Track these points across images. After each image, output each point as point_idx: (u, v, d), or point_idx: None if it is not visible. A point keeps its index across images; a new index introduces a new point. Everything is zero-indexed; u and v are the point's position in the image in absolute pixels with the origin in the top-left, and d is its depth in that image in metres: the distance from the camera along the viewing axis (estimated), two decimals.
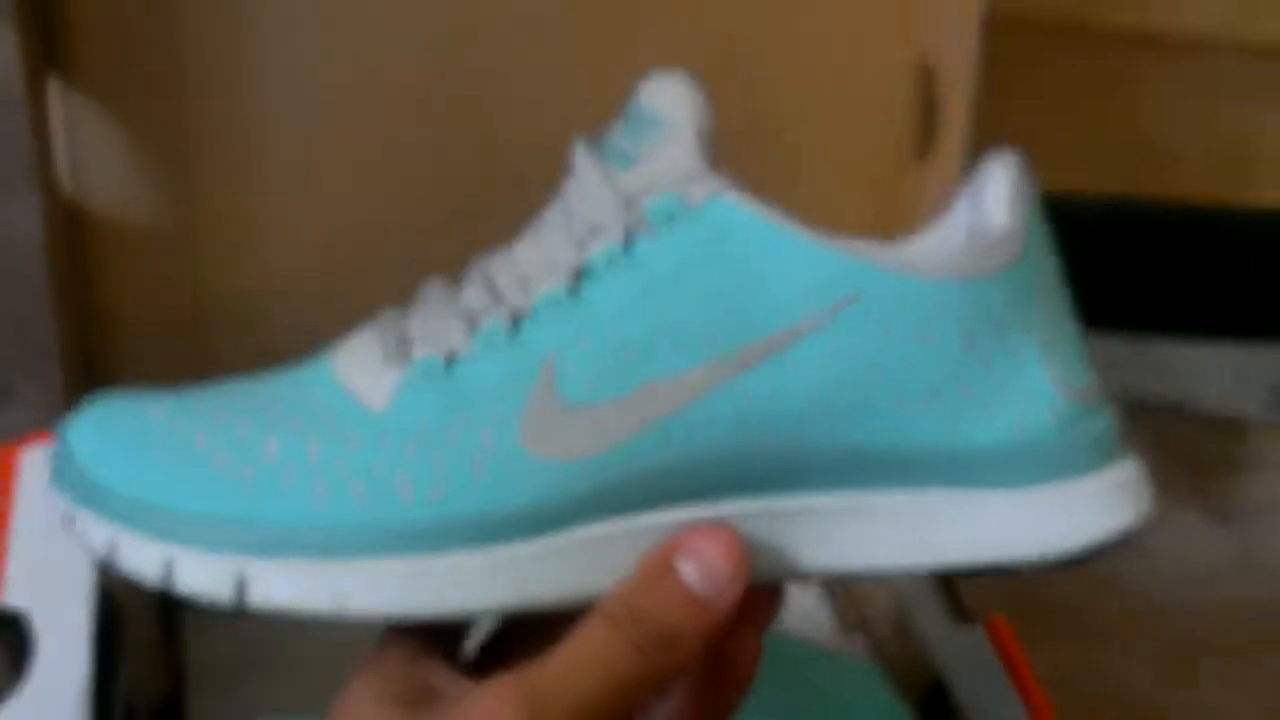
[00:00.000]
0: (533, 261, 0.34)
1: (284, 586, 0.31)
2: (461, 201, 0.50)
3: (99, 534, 0.32)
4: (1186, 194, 0.77)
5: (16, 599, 0.38)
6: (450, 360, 0.33)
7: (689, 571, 0.32)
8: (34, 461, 0.42)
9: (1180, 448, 0.84)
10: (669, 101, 0.34)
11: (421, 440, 0.32)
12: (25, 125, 0.44)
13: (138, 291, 0.48)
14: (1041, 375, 0.34)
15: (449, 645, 0.34)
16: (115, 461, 0.32)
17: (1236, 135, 0.75)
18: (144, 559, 0.31)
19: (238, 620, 0.50)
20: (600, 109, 0.36)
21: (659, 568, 0.32)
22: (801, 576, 0.34)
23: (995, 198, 0.35)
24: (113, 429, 0.33)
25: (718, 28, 0.52)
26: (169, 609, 0.52)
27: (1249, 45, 0.71)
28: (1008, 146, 0.37)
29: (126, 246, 0.47)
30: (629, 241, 0.32)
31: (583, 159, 0.34)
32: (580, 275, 0.33)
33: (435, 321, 0.33)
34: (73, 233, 0.47)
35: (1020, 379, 0.33)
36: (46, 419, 0.35)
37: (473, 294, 0.34)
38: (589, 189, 0.33)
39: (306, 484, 0.31)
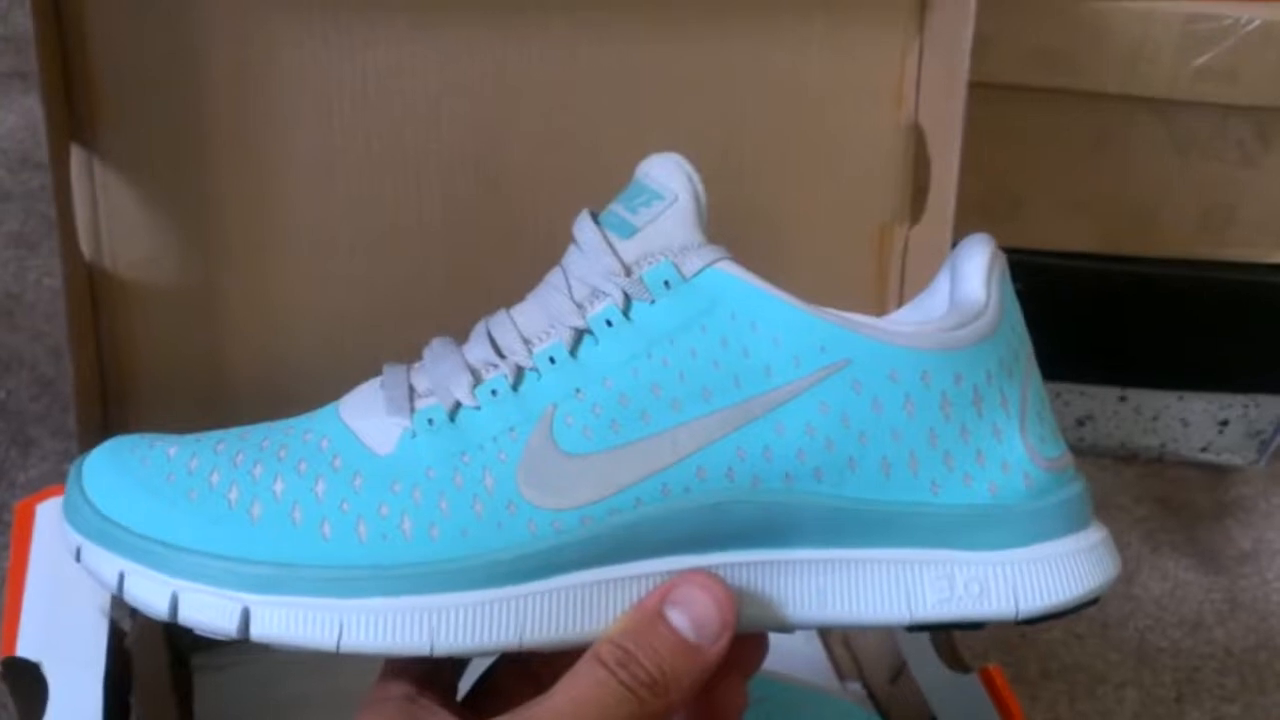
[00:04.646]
0: (534, 321, 0.35)
1: (285, 622, 0.31)
2: (477, 270, 0.50)
3: (107, 568, 0.32)
4: (1172, 250, 0.78)
5: (31, 649, 0.39)
6: (454, 410, 0.34)
7: (680, 619, 0.33)
8: (50, 515, 0.43)
9: (1168, 496, 0.84)
10: (667, 177, 0.35)
11: (427, 484, 0.33)
12: (50, 189, 0.45)
13: (157, 352, 0.48)
14: (1016, 445, 0.35)
15: (445, 685, 0.35)
16: (126, 497, 0.33)
17: (1219, 193, 0.76)
18: (151, 593, 0.32)
19: (246, 667, 0.51)
20: (611, 187, 0.37)
21: (651, 614, 0.33)
22: (785, 627, 0.35)
23: (971, 277, 0.36)
24: (127, 465, 0.34)
25: (718, 95, 0.53)
26: (180, 658, 0.52)
27: (1235, 105, 0.73)
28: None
29: (147, 308, 0.48)
30: (627, 306, 0.34)
31: (585, 228, 0.35)
32: (580, 335, 0.34)
33: (440, 374, 0.35)
34: (94, 294, 0.47)
35: (996, 448, 0.35)
36: (64, 474, 0.36)
37: (475, 350, 0.35)
38: (591, 255, 0.35)
39: (313, 523, 0.32)
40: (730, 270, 0.34)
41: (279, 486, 0.33)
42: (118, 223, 0.47)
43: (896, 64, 0.55)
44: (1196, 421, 0.85)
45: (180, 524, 0.32)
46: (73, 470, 0.34)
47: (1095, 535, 0.36)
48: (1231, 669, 0.71)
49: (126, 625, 0.43)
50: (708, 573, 0.34)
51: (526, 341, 0.34)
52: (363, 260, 0.50)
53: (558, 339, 0.34)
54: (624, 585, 0.33)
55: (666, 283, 0.34)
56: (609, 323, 0.34)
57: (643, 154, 0.36)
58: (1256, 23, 0.69)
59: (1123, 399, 0.84)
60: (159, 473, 0.33)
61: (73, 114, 0.46)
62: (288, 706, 0.50)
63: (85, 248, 0.47)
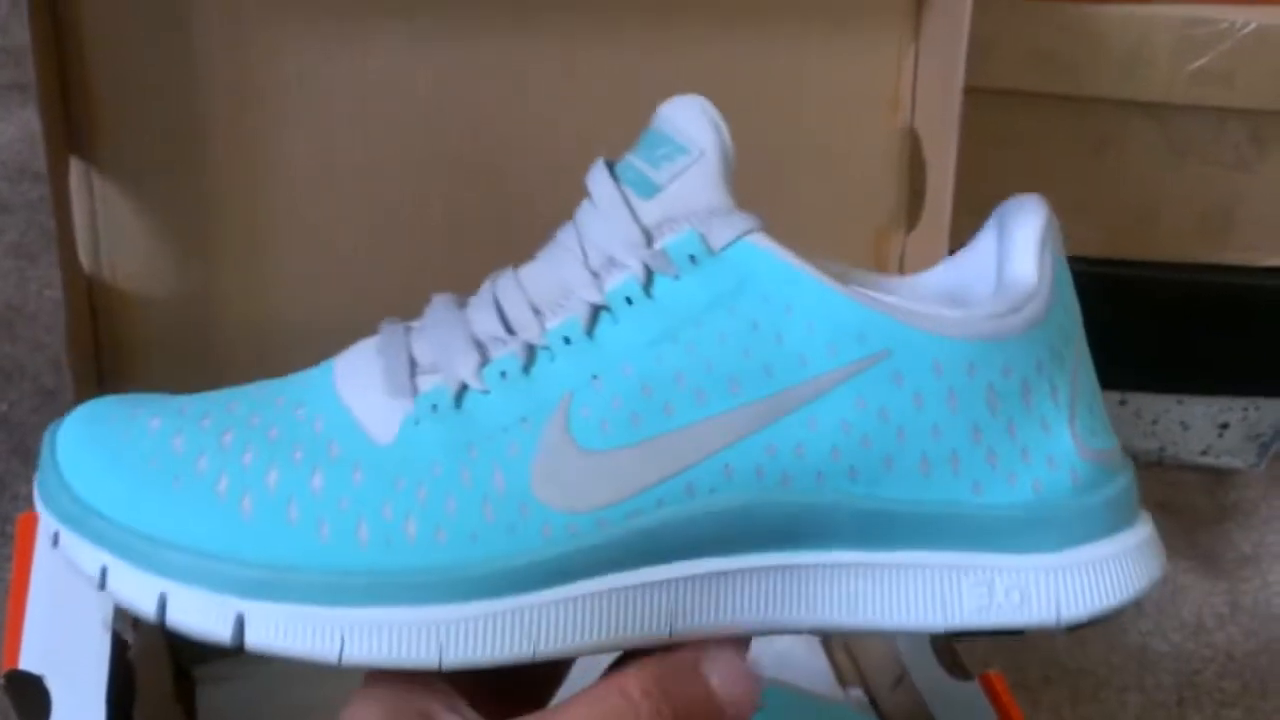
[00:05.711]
0: (544, 288, 0.32)
1: (283, 631, 0.29)
2: (478, 273, 0.50)
3: (88, 559, 0.30)
4: (1170, 254, 0.78)
5: (33, 662, 0.38)
6: (460, 393, 0.31)
7: (714, 678, 0.31)
8: None
9: (1168, 499, 0.84)
10: (691, 127, 0.32)
11: (433, 482, 0.30)
12: (49, 199, 0.45)
13: (156, 361, 0.48)
14: (1064, 439, 0.33)
15: None
16: (105, 479, 0.30)
17: (1217, 196, 0.76)
18: (137, 591, 0.29)
19: (250, 678, 0.51)
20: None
21: (689, 664, 0.32)
22: (814, 631, 0.34)
23: (1023, 252, 0.34)
24: (105, 440, 0.31)
25: (715, 99, 0.53)
26: (183, 670, 0.52)
27: (1231, 109, 0.73)
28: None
29: (146, 319, 0.48)
30: (649, 281, 0.31)
31: (602, 182, 0.33)
32: (597, 312, 0.31)
33: (443, 346, 0.32)
34: (94, 305, 0.47)
35: (1042, 443, 0.33)
36: None
37: (481, 319, 0.32)
38: (607, 216, 0.32)
39: (311, 522, 0.30)
40: (762, 244, 0.31)
41: (272, 477, 0.30)
42: (116, 234, 0.48)
43: (893, 69, 0.55)
44: (1196, 425, 0.85)
45: (166, 516, 0.30)
46: (45, 440, 0.32)
47: (1142, 532, 0.34)
48: (1232, 673, 0.71)
49: (129, 637, 0.43)
50: (737, 646, 0.32)
51: (538, 313, 0.32)
52: (362, 266, 0.50)
53: (573, 314, 0.31)
54: (643, 592, 0.31)
55: (692, 257, 0.31)
56: (629, 300, 0.31)
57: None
58: (1252, 26, 0.69)
59: (1122, 403, 0.84)
60: (140, 453, 0.30)
61: (71, 126, 0.46)
62: (292, 717, 0.50)
63: (84, 259, 0.47)
